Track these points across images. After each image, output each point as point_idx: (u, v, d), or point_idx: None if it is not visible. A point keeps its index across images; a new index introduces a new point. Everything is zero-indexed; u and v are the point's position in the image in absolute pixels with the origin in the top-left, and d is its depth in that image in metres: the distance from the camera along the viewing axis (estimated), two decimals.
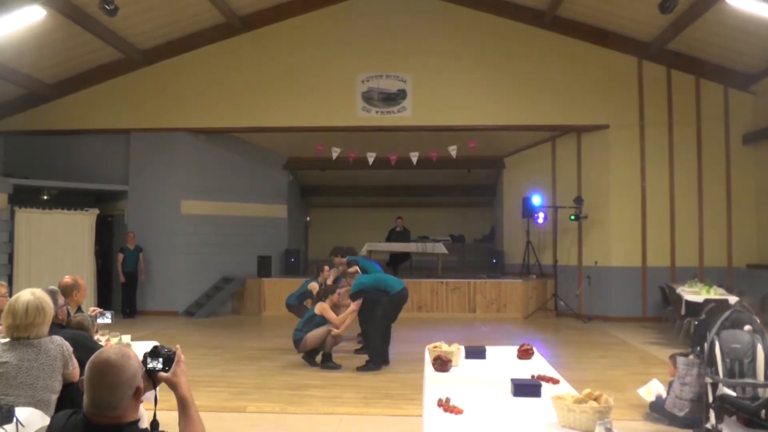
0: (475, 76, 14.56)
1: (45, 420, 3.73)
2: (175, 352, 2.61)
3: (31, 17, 10.76)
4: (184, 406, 2.58)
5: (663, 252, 14.25)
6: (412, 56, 14.74)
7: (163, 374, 2.56)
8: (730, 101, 14.20)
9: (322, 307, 9.13)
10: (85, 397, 2.38)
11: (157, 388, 2.61)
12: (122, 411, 2.37)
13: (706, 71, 14.14)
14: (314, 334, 9.09)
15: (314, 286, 10.61)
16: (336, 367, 9.01)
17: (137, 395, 2.42)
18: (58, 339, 4.09)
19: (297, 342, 9.17)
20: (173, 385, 2.57)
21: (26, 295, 4.03)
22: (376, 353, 9.13)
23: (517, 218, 16.26)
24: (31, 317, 3.95)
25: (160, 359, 2.57)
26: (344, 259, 10.36)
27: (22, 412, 3.71)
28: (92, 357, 2.41)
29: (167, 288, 15.03)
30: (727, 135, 14.21)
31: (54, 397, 3.97)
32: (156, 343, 2.73)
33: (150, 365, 2.55)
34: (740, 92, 14.11)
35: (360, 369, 8.97)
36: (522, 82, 14.51)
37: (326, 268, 10.77)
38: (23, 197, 13.92)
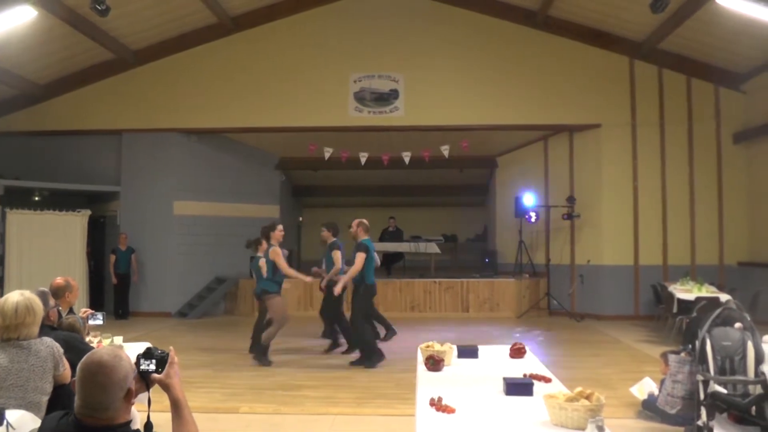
0: (468, 76, 14.58)
1: (36, 422, 3.72)
2: (168, 354, 2.61)
3: (23, 17, 10.73)
4: (177, 408, 2.58)
5: (655, 250, 14.30)
6: (404, 56, 14.75)
7: (156, 376, 2.56)
8: (721, 100, 14.26)
9: (275, 252, 9.36)
10: (76, 398, 2.37)
11: (150, 390, 2.60)
12: (114, 412, 2.36)
13: (697, 70, 14.19)
14: (280, 303, 9.43)
15: (262, 263, 10.53)
16: (268, 363, 9.25)
17: (128, 397, 2.41)
18: (48, 340, 4.08)
19: (261, 294, 9.45)
20: (166, 387, 2.57)
21: (15, 295, 4.03)
22: (370, 349, 9.22)
23: (510, 217, 16.28)
24: (21, 317, 3.94)
25: (153, 361, 2.57)
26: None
27: (12, 415, 3.69)
28: (84, 358, 2.41)
29: (160, 289, 15.01)
30: (718, 134, 14.27)
31: (45, 399, 3.95)
32: (149, 345, 2.72)
33: (143, 367, 2.54)
34: (731, 91, 14.16)
35: (354, 363, 9.14)
36: (514, 82, 14.53)
37: (264, 241, 10.73)
38: (14, 198, 13.88)
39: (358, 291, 9.32)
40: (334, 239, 10.73)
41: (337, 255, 10.45)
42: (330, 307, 10.55)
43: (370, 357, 9.17)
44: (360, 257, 9.19)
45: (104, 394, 2.34)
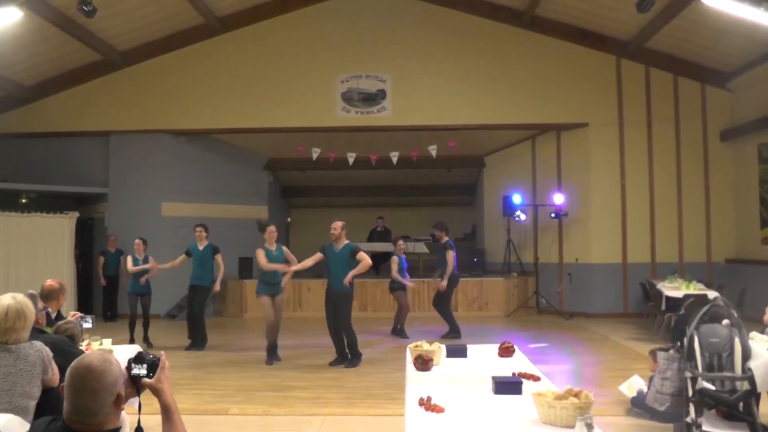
0: (455, 76, 14.60)
1: (24, 426, 3.69)
2: (159, 358, 2.59)
3: (8, 19, 10.67)
4: (167, 413, 2.56)
5: (643, 248, 14.36)
6: (391, 56, 14.76)
7: (147, 380, 2.53)
8: (708, 99, 14.35)
9: (257, 252, 9.61)
10: (65, 404, 2.33)
11: (141, 395, 2.58)
12: (103, 418, 2.32)
13: (683, 69, 14.27)
14: (265, 304, 9.62)
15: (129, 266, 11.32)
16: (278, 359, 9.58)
17: (118, 402, 2.37)
18: (38, 344, 4.05)
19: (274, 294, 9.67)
20: (157, 392, 2.54)
21: (7, 299, 3.98)
22: (357, 349, 9.37)
23: (498, 217, 16.30)
24: (11, 321, 3.91)
25: (145, 365, 2.54)
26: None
27: (0, 419, 3.67)
28: (73, 362, 2.36)
29: None
30: (704, 132, 14.35)
31: (32, 403, 3.93)
32: (140, 349, 2.71)
33: (134, 371, 2.52)
34: (717, 90, 14.26)
35: (348, 366, 9.19)
36: (501, 81, 14.57)
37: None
38: (1, 201, 13.81)
39: (346, 294, 9.32)
40: (447, 239, 11.75)
41: (450, 254, 11.57)
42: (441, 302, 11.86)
43: (357, 357, 9.33)
44: (365, 255, 9.27)
45: (94, 399, 2.30)
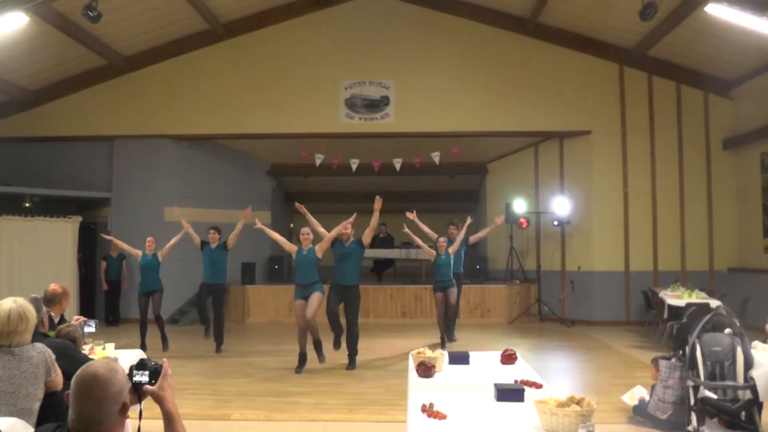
0: (458, 83, 14.61)
1: (28, 429, 3.70)
2: (161, 366, 2.59)
3: (14, 24, 10.71)
4: (170, 420, 2.55)
5: (645, 256, 14.36)
6: (395, 63, 14.78)
7: (149, 387, 2.53)
8: (711, 107, 14.35)
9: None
10: (70, 412, 2.32)
11: (142, 402, 2.58)
12: (108, 426, 2.31)
13: (686, 77, 14.28)
14: (295, 307, 9.47)
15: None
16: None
17: (123, 411, 2.36)
18: (40, 346, 4.06)
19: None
20: (159, 399, 2.54)
21: (8, 303, 4.00)
22: (356, 348, 9.58)
23: (501, 224, 16.27)
24: (14, 324, 3.92)
25: (147, 372, 2.53)
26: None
27: (4, 423, 3.67)
28: (79, 371, 2.36)
29: None
30: (707, 140, 14.35)
31: (36, 405, 3.93)
32: (143, 356, 2.71)
33: (136, 378, 2.52)
34: (720, 98, 14.26)
35: (348, 368, 9.40)
36: (504, 89, 14.59)
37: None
38: (5, 205, 13.83)
39: (357, 291, 9.54)
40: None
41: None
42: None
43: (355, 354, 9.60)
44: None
45: (99, 408, 2.29)
